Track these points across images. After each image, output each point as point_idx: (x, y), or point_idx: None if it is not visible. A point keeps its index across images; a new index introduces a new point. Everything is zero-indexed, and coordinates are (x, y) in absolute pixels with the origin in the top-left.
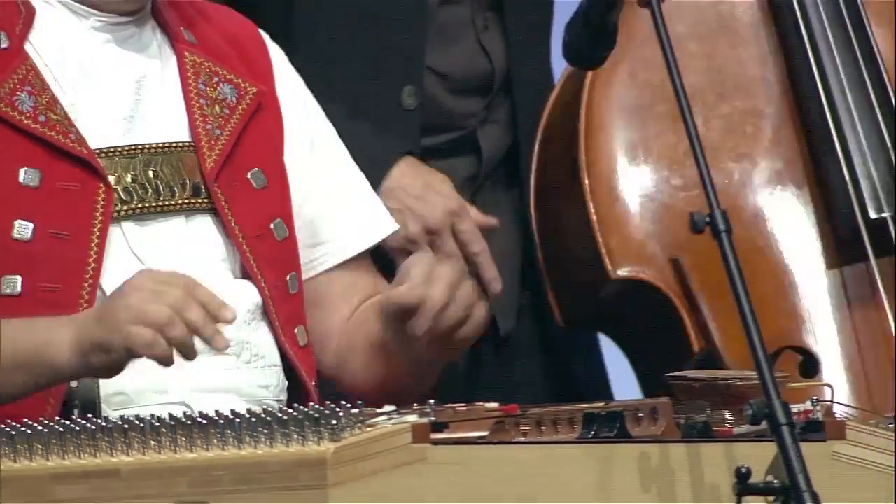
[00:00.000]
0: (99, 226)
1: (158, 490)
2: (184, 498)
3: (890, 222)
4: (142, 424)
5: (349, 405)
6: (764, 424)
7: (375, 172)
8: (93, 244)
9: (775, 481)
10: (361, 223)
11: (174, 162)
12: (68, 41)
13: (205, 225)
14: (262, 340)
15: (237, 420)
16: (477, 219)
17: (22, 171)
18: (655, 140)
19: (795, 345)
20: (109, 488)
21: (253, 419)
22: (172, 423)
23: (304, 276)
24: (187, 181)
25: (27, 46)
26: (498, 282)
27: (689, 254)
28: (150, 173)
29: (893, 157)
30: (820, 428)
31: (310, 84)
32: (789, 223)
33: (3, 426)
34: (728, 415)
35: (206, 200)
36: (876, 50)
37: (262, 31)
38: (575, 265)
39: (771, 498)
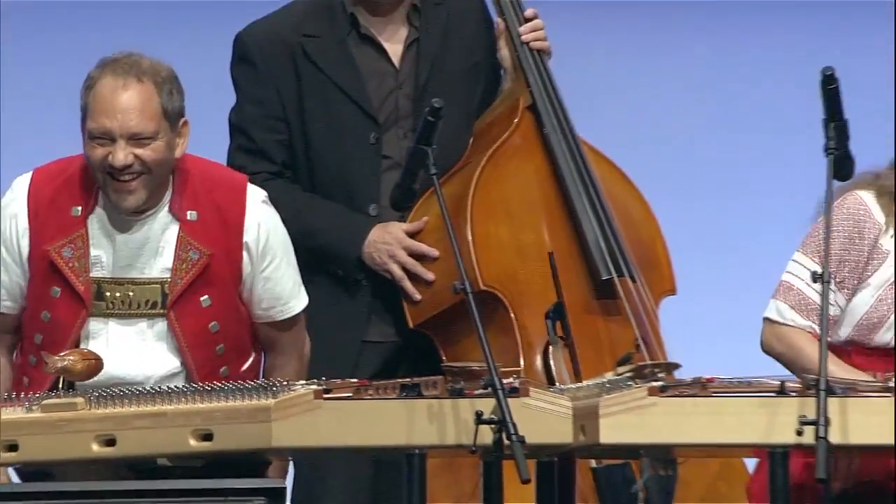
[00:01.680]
0: (78, 323)
1: (185, 423)
2: (199, 427)
3: (616, 280)
4: (177, 390)
5: (283, 381)
6: (489, 389)
7: (361, 235)
8: (72, 331)
9: (495, 417)
10: (281, 308)
11: (144, 290)
12: (111, 217)
13: (159, 326)
14: None
15: (227, 388)
16: (413, 229)
17: (53, 289)
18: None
19: (562, 336)
20: (161, 422)
21: (234, 388)
22: (193, 388)
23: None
24: (149, 300)
25: (90, 219)
26: (430, 274)
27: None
28: (130, 293)
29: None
30: (517, 391)
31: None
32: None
33: (107, 391)
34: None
35: (163, 313)
36: (597, 182)
37: (248, 196)
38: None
39: (493, 426)
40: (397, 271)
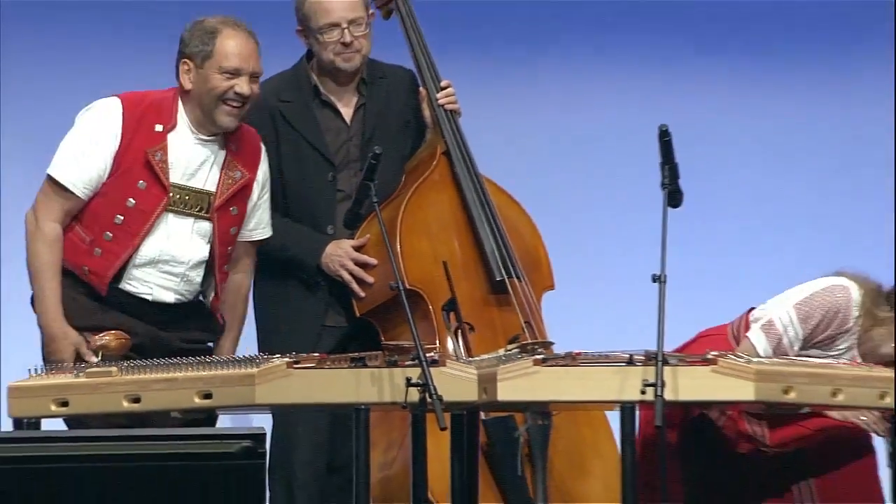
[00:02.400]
0: (158, 211)
1: (191, 385)
2: (202, 388)
3: (506, 281)
4: (185, 362)
5: (264, 354)
6: (417, 361)
7: (319, 250)
8: (153, 216)
9: (421, 381)
10: (260, 231)
11: (197, 196)
12: (186, 138)
13: (201, 223)
14: (196, 276)
15: (222, 360)
16: (358, 244)
17: (140, 182)
18: (428, 233)
19: (468, 322)
20: (173, 385)
21: (227, 360)
22: (197, 361)
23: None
24: (198, 205)
25: (169, 135)
26: (370, 278)
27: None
28: (187, 197)
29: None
30: (437, 362)
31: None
32: (473, 275)
33: (133, 364)
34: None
35: (207, 216)
36: (491, 203)
37: (260, 143)
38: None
39: (419, 388)
40: (346, 276)
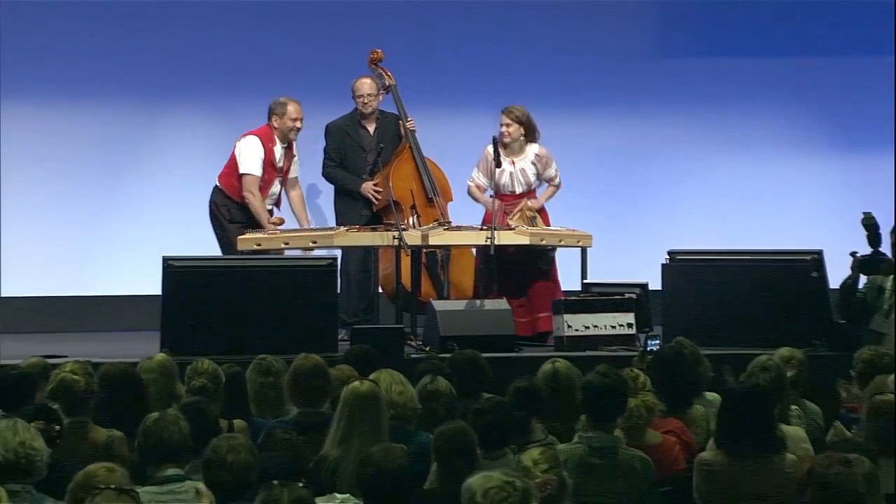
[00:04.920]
0: (274, 180)
1: (308, 237)
2: (313, 238)
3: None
4: (306, 228)
5: (337, 226)
6: (397, 230)
7: (359, 185)
8: (272, 182)
9: (399, 236)
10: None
11: (279, 170)
12: (279, 145)
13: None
14: None
15: (321, 227)
16: (374, 182)
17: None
18: (399, 177)
19: (418, 213)
20: (302, 237)
21: (325, 227)
22: (310, 227)
23: None
24: (279, 175)
25: (274, 147)
26: (380, 196)
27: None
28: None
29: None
30: (405, 229)
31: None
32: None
33: (286, 229)
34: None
35: (281, 178)
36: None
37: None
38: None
39: (398, 240)
40: (369, 195)
